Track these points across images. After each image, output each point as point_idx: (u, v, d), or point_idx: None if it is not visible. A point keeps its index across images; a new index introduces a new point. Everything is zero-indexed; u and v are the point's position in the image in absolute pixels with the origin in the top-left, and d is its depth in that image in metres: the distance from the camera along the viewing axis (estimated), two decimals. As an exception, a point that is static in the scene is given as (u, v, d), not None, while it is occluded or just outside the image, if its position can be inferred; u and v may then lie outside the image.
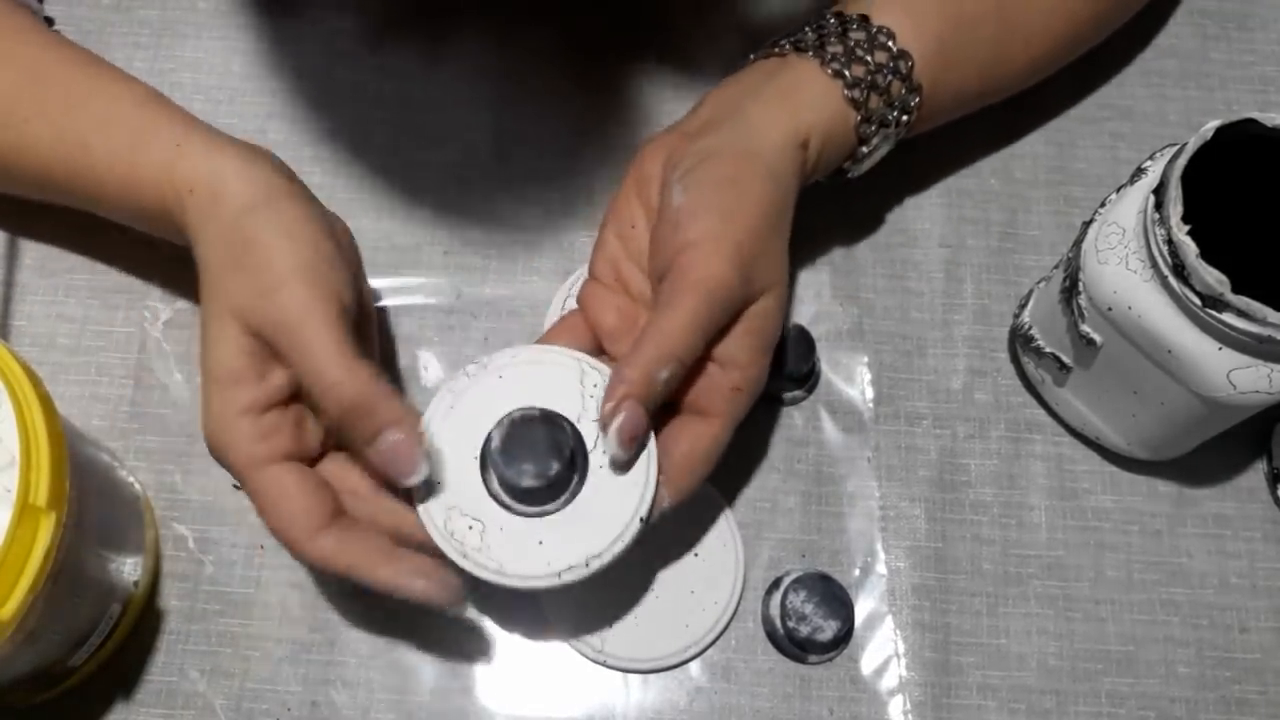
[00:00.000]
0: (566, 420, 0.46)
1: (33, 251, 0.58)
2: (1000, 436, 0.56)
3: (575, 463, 0.45)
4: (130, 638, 0.51)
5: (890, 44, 0.51)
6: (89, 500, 0.46)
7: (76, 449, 0.45)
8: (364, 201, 0.60)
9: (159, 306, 0.57)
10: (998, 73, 0.56)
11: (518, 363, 0.47)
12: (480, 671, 0.52)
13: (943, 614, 0.53)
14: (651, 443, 0.46)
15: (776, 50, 0.53)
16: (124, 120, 0.51)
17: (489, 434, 0.46)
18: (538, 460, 0.44)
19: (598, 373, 0.47)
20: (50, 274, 0.58)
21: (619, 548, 0.44)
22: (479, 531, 0.45)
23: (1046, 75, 0.59)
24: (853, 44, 0.51)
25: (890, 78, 0.51)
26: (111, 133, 0.51)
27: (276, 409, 0.46)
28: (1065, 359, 0.52)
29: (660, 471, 0.46)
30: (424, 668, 0.52)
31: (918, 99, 0.52)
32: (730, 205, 0.47)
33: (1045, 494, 0.55)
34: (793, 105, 0.50)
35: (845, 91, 0.50)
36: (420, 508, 0.45)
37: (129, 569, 0.50)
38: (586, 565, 0.44)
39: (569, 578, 0.44)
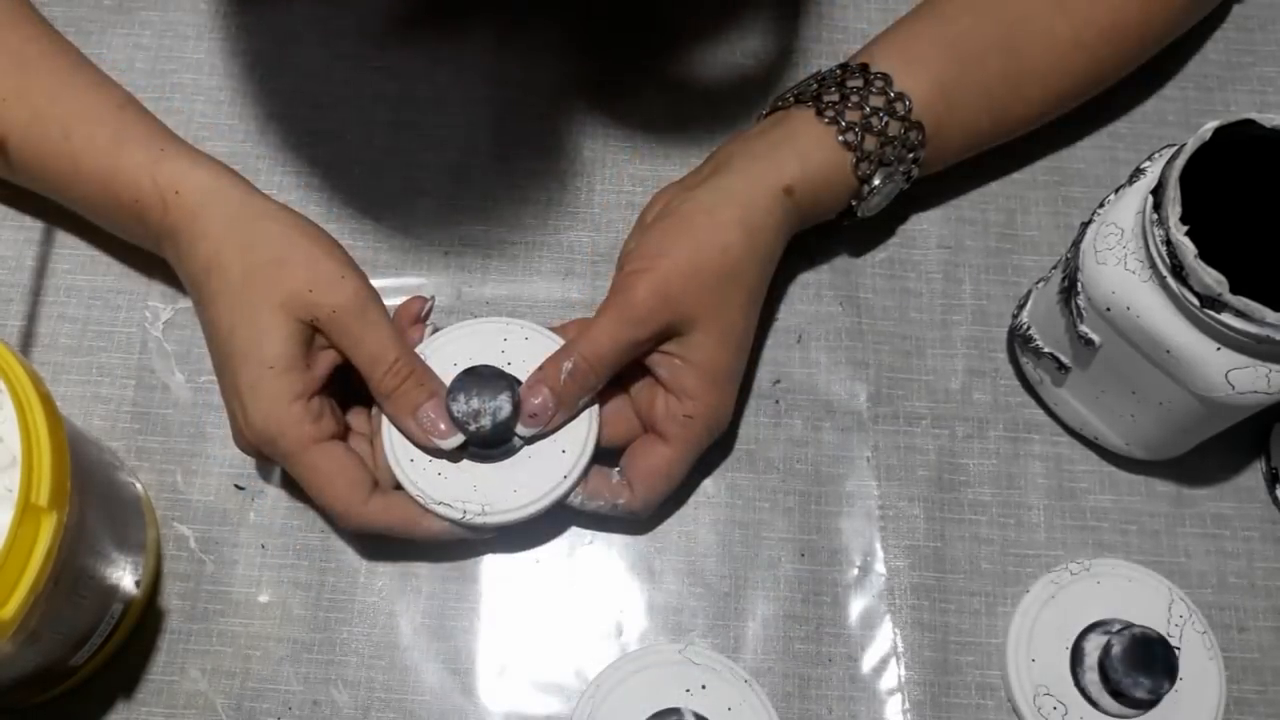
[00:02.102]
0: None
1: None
2: (999, 436, 0.56)
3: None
4: (132, 637, 0.51)
5: (887, 89, 0.53)
6: (90, 500, 0.46)
7: (78, 449, 0.45)
8: (364, 201, 0.60)
9: (160, 307, 0.57)
10: (1010, 108, 0.56)
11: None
12: (480, 671, 0.52)
13: (942, 613, 0.53)
14: (593, 418, 0.52)
15: (781, 104, 0.55)
16: (107, 117, 0.53)
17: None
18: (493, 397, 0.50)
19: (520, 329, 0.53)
20: (51, 274, 0.58)
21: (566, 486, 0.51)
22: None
23: (1066, 110, 0.59)
24: (849, 90, 0.53)
25: (886, 119, 0.52)
26: (94, 127, 0.52)
27: (320, 394, 0.50)
28: (1064, 359, 0.52)
29: (628, 481, 0.52)
30: (424, 668, 0.52)
31: (921, 136, 0.53)
32: (671, 245, 0.51)
33: (1044, 494, 0.55)
34: (780, 155, 0.52)
35: (839, 136, 0.52)
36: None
37: (130, 569, 0.50)
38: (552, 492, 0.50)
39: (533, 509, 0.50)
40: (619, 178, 0.61)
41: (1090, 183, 0.60)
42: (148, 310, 0.57)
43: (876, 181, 0.53)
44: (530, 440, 0.51)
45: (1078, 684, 0.50)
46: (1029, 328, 0.54)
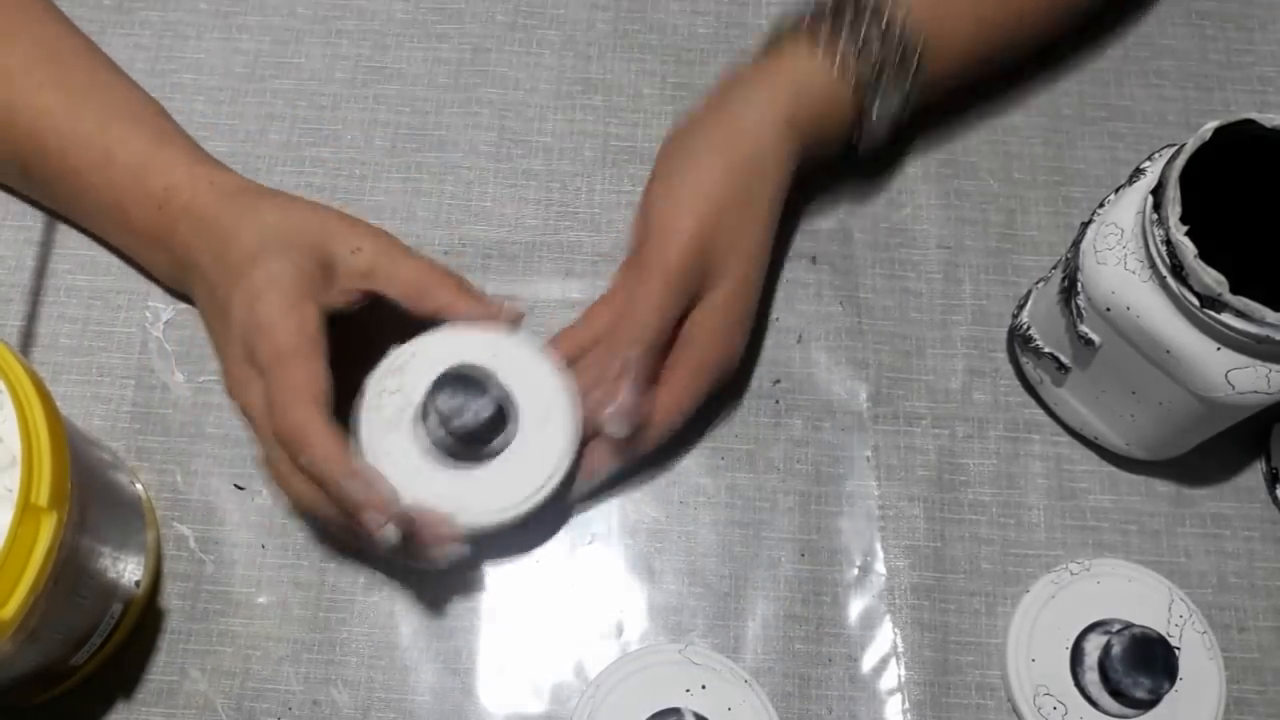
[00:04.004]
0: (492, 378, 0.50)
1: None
2: (999, 436, 0.56)
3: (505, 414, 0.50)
4: (131, 637, 0.51)
5: (880, 10, 0.53)
6: (90, 500, 0.46)
7: (78, 449, 0.45)
8: (364, 202, 0.60)
9: (160, 307, 0.57)
10: (1004, 22, 0.57)
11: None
12: (480, 671, 0.52)
13: (941, 613, 0.53)
14: (574, 425, 0.50)
15: (776, 35, 0.55)
16: (145, 116, 0.55)
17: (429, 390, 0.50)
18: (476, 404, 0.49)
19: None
20: (51, 274, 0.58)
21: (547, 490, 0.50)
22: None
23: (1057, 34, 0.59)
24: (841, 16, 0.53)
25: (877, 42, 0.52)
26: (132, 124, 0.54)
27: (323, 324, 0.49)
28: (1064, 359, 0.52)
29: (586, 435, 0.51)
30: (424, 668, 0.52)
31: (916, 55, 0.53)
32: (691, 192, 0.51)
33: (1044, 494, 0.55)
34: (778, 85, 0.52)
35: (833, 61, 0.52)
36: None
37: (130, 569, 0.50)
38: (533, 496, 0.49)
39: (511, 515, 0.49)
40: (619, 178, 0.61)
41: (1090, 183, 0.61)
42: (148, 310, 0.57)
43: (879, 106, 0.53)
44: (498, 452, 0.50)
45: (1078, 684, 0.50)
46: (1029, 328, 0.54)
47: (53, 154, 0.54)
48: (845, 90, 0.53)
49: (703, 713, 0.49)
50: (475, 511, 0.49)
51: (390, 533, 0.45)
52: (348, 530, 0.48)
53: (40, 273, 0.58)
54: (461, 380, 0.49)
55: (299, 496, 0.48)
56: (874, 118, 0.54)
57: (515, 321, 0.52)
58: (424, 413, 0.49)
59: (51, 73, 0.54)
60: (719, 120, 0.53)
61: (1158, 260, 0.44)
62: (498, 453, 0.50)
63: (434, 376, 0.49)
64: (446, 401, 0.48)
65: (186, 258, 0.53)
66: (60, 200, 0.57)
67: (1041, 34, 0.59)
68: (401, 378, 0.51)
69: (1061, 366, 0.52)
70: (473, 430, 0.48)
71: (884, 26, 0.53)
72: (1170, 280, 0.44)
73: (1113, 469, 0.55)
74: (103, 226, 0.56)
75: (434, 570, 0.50)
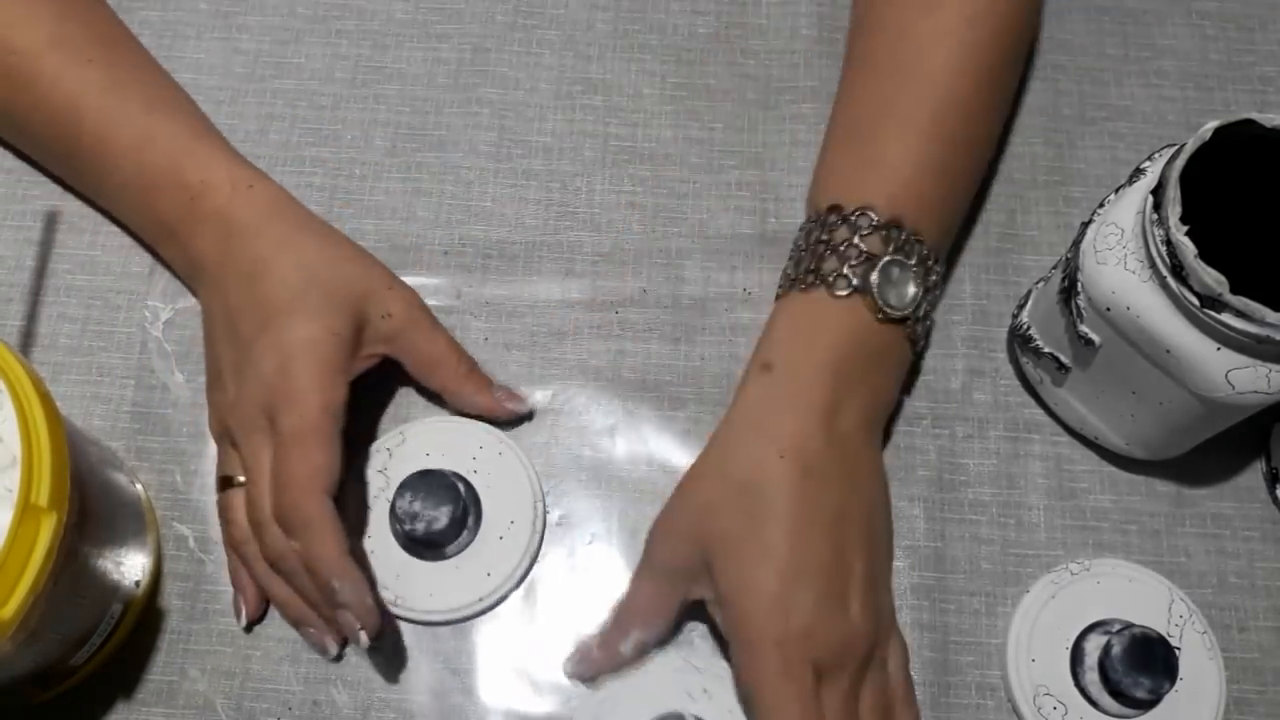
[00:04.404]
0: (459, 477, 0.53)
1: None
2: (999, 436, 0.56)
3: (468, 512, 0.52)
4: (131, 637, 0.51)
5: (844, 219, 0.50)
6: (90, 500, 0.46)
7: (78, 449, 0.45)
8: (364, 202, 0.60)
9: (160, 307, 0.57)
10: (963, 156, 0.54)
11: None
12: (480, 671, 0.52)
13: (941, 613, 0.53)
14: (529, 552, 0.53)
15: (779, 293, 0.52)
16: (190, 109, 0.56)
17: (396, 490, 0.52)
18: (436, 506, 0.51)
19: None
20: (51, 274, 0.58)
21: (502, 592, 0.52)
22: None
23: (1010, 99, 0.59)
24: (818, 246, 0.50)
25: (863, 243, 0.49)
26: (176, 113, 0.55)
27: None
28: (1064, 359, 0.52)
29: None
30: (424, 668, 0.52)
31: (904, 232, 0.50)
32: (687, 480, 0.50)
33: (1044, 494, 0.55)
34: (802, 342, 0.49)
35: (838, 294, 0.49)
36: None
37: (130, 569, 0.50)
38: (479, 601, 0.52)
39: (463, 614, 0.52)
40: (619, 178, 0.61)
41: (1090, 183, 0.60)
42: (148, 310, 0.57)
43: (906, 298, 0.50)
44: (455, 554, 0.52)
45: (1078, 684, 0.50)
46: (1029, 328, 0.53)
47: (88, 130, 0.53)
48: (865, 313, 0.49)
49: (705, 718, 0.49)
50: (410, 605, 0.52)
51: (364, 640, 0.47)
52: (299, 604, 0.50)
53: (40, 273, 0.58)
54: (427, 484, 0.51)
55: (268, 556, 0.49)
56: (912, 312, 0.50)
57: (512, 417, 0.54)
58: (391, 507, 0.52)
59: (101, 52, 0.54)
60: (741, 411, 0.49)
61: (1158, 260, 0.44)
62: (454, 554, 0.52)
63: (408, 470, 0.52)
64: (407, 506, 0.51)
65: (205, 261, 0.52)
66: (84, 177, 0.56)
67: (996, 127, 0.58)
68: (388, 459, 0.54)
69: (1061, 366, 0.52)
70: (423, 539, 0.51)
71: (857, 228, 0.50)
72: (1170, 280, 0.44)
73: (1113, 469, 0.55)
74: (124, 209, 0.56)
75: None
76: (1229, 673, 0.51)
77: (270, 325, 0.49)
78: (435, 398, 0.55)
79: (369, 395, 0.53)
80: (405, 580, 0.52)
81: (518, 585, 0.52)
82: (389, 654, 0.51)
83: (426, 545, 0.52)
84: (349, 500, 0.52)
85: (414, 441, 0.54)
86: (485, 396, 0.54)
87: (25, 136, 0.58)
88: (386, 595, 0.51)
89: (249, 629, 0.51)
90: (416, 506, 0.51)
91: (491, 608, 0.52)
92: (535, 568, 0.53)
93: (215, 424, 0.52)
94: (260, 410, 0.48)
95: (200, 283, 0.54)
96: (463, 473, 0.53)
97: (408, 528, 0.51)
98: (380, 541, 0.53)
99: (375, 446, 0.54)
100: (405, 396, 0.56)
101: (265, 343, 0.49)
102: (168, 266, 0.57)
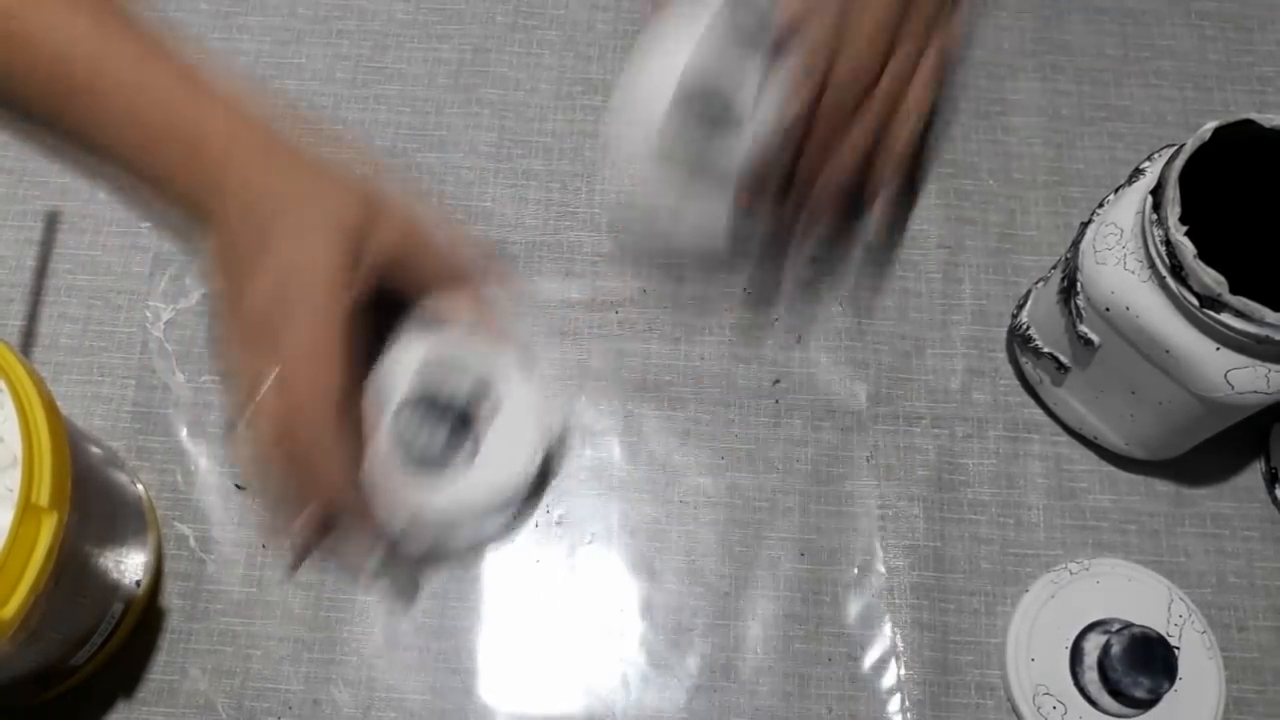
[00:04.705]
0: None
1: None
2: (998, 436, 0.56)
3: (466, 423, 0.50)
4: (132, 637, 0.51)
5: None
6: (91, 500, 0.46)
7: (79, 449, 0.45)
8: (364, 202, 0.60)
9: (160, 307, 0.57)
10: None
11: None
12: (480, 671, 0.52)
13: (941, 613, 0.53)
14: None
15: None
16: (186, 62, 0.52)
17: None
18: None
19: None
20: (51, 274, 0.58)
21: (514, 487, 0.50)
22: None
23: None
24: None
25: None
26: (171, 65, 0.51)
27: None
28: (1063, 359, 0.52)
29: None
30: (424, 667, 0.52)
31: None
32: None
33: (1043, 493, 0.55)
34: None
35: None
36: None
37: (131, 568, 0.50)
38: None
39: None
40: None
41: (1090, 183, 0.61)
42: (148, 310, 0.57)
43: None
44: (458, 465, 0.51)
45: (1077, 683, 0.50)
46: (1029, 328, 0.54)
47: (80, 82, 0.53)
48: None
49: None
50: (426, 511, 0.49)
51: (369, 569, 0.46)
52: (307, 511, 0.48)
53: (40, 273, 0.58)
54: (426, 403, 0.50)
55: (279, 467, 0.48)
56: None
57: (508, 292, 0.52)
58: (390, 425, 0.50)
59: (89, 3, 0.53)
60: None
61: (1157, 260, 0.44)
62: (458, 465, 0.51)
63: (407, 389, 0.50)
64: (405, 425, 0.50)
65: (210, 205, 0.52)
66: (79, 133, 0.55)
67: None
68: (391, 378, 0.52)
69: (1061, 366, 0.52)
70: (423, 457, 0.50)
71: None
72: (1170, 280, 0.44)
73: (1112, 469, 0.55)
74: (121, 161, 0.55)
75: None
76: (1228, 672, 0.51)
77: (269, 247, 0.48)
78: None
79: (365, 319, 0.52)
80: (415, 494, 0.50)
81: (532, 481, 0.51)
82: (404, 584, 0.51)
83: (428, 463, 0.50)
84: (354, 422, 0.51)
85: (410, 360, 0.51)
86: (485, 318, 0.51)
87: (15, 98, 0.57)
88: (399, 514, 0.49)
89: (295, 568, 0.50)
90: (414, 426, 0.50)
91: (508, 505, 0.50)
92: (535, 567, 0.53)
93: (221, 362, 0.51)
94: (263, 332, 0.48)
95: (201, 228, 0.53)
96: (461, 384, 0.51)
97: (410, 447, 0.50)
98: (385, 460, 0.50)
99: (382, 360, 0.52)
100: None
101: (265, 264, 0.48)
102: (182, 250, 0.56)
